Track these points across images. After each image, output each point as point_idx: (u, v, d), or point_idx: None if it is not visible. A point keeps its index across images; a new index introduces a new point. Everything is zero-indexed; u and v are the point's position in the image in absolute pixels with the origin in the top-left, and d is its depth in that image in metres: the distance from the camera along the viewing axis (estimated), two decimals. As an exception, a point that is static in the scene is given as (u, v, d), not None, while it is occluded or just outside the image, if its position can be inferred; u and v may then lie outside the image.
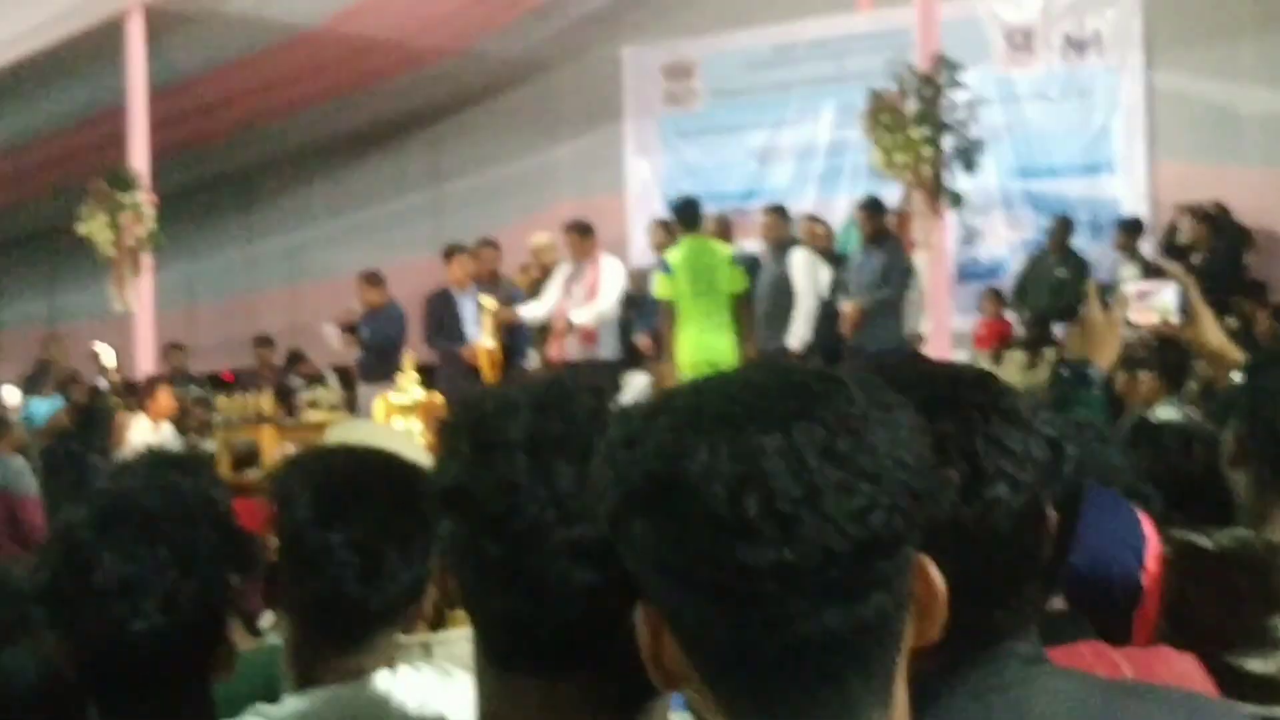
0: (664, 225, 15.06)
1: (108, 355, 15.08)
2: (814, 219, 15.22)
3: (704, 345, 12.59)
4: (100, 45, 14.40)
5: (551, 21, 17.20)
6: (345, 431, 5.58)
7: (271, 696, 2.57)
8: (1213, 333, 4.03)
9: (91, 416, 12.93)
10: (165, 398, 12.97)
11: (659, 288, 13.19)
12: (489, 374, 13.77)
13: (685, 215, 13.41)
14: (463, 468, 1.88)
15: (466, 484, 1.86)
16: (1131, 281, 6.12)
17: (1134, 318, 3.91)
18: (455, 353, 14.11)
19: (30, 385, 15.73)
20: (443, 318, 14.38)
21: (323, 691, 2.49)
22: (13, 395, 14.64)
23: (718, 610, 1.43)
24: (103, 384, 14.54)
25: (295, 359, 17.66)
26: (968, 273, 16.03)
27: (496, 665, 1.91)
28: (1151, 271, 14.38)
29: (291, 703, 2.50)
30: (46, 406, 14.17)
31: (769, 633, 1.42)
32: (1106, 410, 3.94)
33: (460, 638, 2.89)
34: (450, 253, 14.62)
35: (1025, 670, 1.89)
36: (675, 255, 13.16)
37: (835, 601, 1.41)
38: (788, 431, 1.41)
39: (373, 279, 15.16)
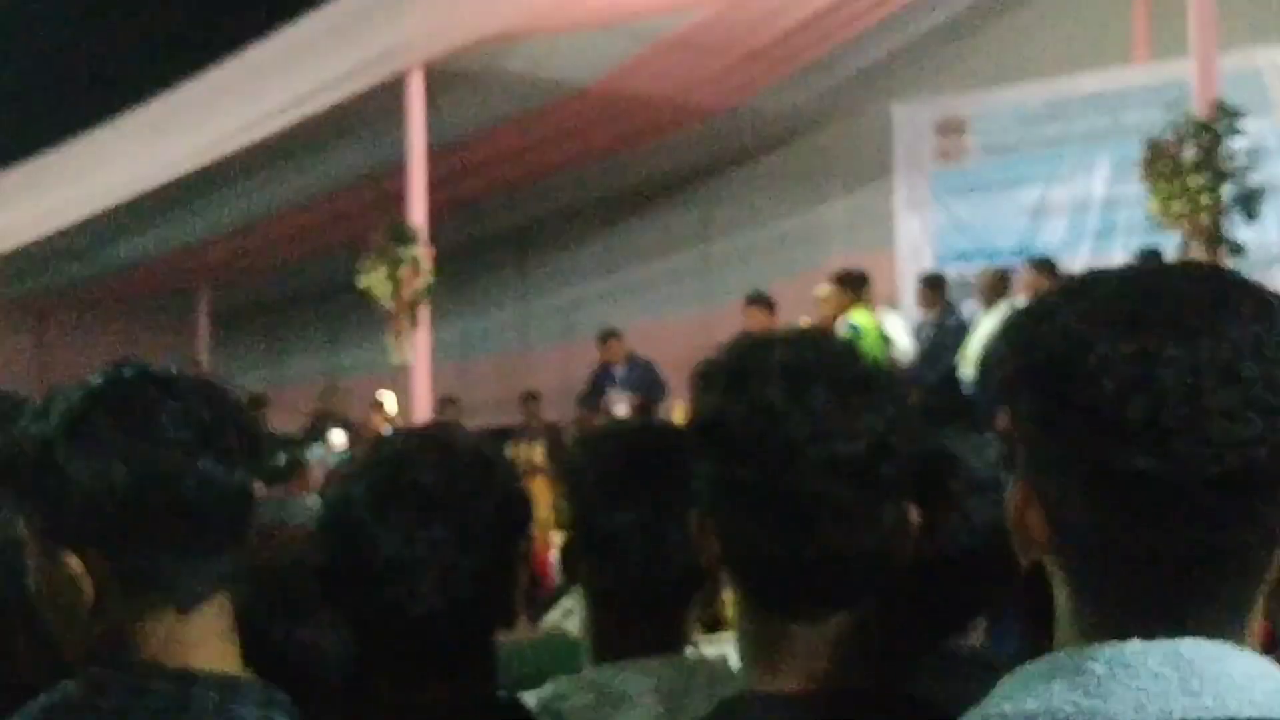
0: (928, 283, 15.15)
1: (391, 403, 15.32)
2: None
3: None
4: (382, 104, 14.74)
5: (823, 78, 17.19)
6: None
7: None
8: None
9: None
10: None
11: None
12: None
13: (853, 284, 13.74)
14: (719, 400, 1.92)
15: (724, 414, 1.89)
16: None
17: None
18: None
19: (310, 436, 16.09)
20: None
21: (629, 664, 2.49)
22: (339, 439, 14.92)
23: (1083, 499, 1.43)
24: (387, 431, 14.74)
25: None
26: None
27: (759, 611, 1.93)
28: None
29: (592, 673, 2.53)
30: (320, 452, 14.47)
31: (1125, 534, 1.42)
32: None
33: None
34: (754, 301, 14.74)
35: None
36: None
37: (1196, 525, 1.39)
38: (1193, 343, 1.39)
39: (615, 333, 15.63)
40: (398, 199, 14.82)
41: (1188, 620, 1.42)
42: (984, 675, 1.63)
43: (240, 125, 14.99)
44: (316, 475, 11.92)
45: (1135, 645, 1.41)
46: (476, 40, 14.33)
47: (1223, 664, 1.40)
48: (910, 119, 18.68)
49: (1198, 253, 11.25)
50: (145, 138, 15.51)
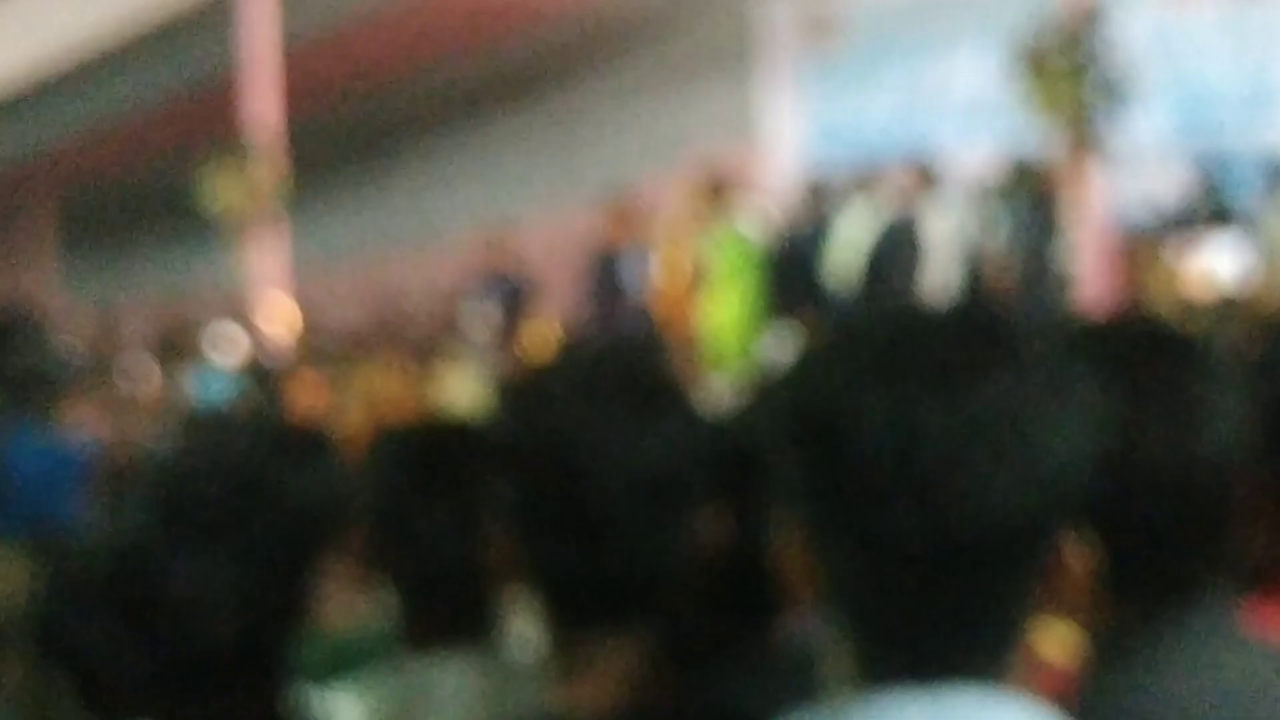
0: (807, 186, 15.22)
1: (283, 316, 14.92)
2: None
3: None
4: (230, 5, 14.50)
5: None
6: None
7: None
8: (1275, 295, 4.01)
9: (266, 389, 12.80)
10: (306, 395, 12.85)
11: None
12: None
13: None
14: (514, 419, 1.99)
15: (520, 433, 1.95)
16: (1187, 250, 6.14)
17: (1190, 290, 3.79)
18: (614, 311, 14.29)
19: (164, 357, 15.75)
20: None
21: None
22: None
23: (848, 554, 1.47)
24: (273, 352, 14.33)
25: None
26: (1123, 221, 15.63)
27: (561, 625, 1.95)
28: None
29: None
30: (221, 382, 14.04)
31: (889, 587, 1.46)
32: None
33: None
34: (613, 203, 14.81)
35: (1215, 631, 1.89)
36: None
37: (958, 579, 1.44)
38: (953, 401, 1.42)
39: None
40: (246, 106, 14.57)
41: (951, 668, 1.46)
42: (799, 672, 1.80)
43: (81, 29, 14.75)
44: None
45: (897, 694, 1.46)
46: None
47: (986, 711, 1.46)
48: (776, 9, 18.50)
49: (1069, 149, 11.33)
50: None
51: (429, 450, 2.59)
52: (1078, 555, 1.52)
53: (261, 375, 13.03)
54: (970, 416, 1.41)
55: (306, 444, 3.18)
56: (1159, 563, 1.86)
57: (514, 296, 15.17)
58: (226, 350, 14.75)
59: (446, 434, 2.66)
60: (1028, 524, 1.43)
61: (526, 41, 17.81)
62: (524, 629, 2.57)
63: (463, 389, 12.87)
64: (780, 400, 1.53)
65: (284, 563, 2.30)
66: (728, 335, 13.70)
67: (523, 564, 1.96)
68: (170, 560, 2.21)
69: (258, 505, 2.31)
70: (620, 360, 2.02)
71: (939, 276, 13.15)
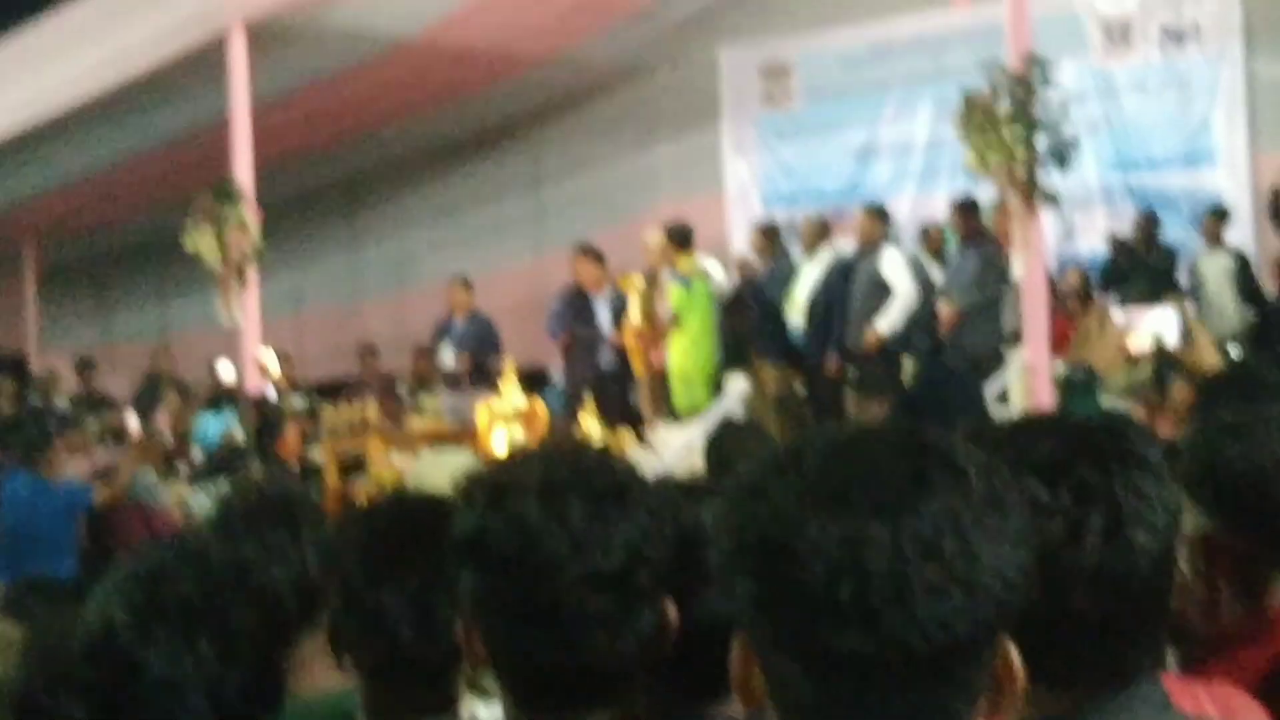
0: (764, 231, 15.31)
1: (271, 361, 15.09)
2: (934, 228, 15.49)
3: None
4: (206, 62, 14.56)
5: (648, 25, 17.22)
6: (430, 465, 5.69)
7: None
8: (1209, 356, 4.12)
9: (265, 427, 12.97)
10: (293, 438, 13.08)
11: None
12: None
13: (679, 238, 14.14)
14: (478, 516, 1.99)
15: (483, 530, 1.97)
16: (1128, 308, 6.17)
17: (1130, 346, 4.01)
18: (593, 342, 14.55)
19: (141, 399, 15.93)
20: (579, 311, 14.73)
21: None
22: (227, 370, 14.56)
23: (798, 672, 1.49)
24: (272, 393, 14.50)
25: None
26: (1067, 268, 15.93)
27: (519, 708, 2.01)
28: (1237, 258, 14.32)
29: None
30: (219, 422, 14.27)
31: (837, 703, 1.48)
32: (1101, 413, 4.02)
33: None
34: (583, 252, 14.93)
35: (1155, 716, 1.93)
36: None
37: (906, 694, 1.46)
38: (896, 522, 1.44)
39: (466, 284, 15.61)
40: (224, 157, 14.65)
41: None
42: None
43: (61, 83, 14.78)
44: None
45: None
46: (297, -2, 14.25)
47: None
48: (736, 64, 18.81)
49: (1013, 201, 11.45)
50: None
51: (392, 536, 2.61)
52: (1015, 656, 1.53)
53: (256, 419, 13.25)
54: (916, 535, 1.43)
55: (281, 521, 3.20)
56: (1097, 653, 1.87)
57: (483, 342, 15.40)
58: (219, 395, 14.99)
59: (410, 519, 2.65)
60: (973, 635, 1.45)
61: (496, 94, 17.83)
62: (484, 712, 2.72)
63: (433, 428, 13.15)
64: (727, 524, 1.53)
65: (257, 647, 2.31)
66: (693, 378, 14.05)
67: (485, 650, 2.02)
68: (145, 647, 2.24)
69: (231, 592, 2.33)
70: (580, 458, 2.08)
71: (890, 318, 13.42)
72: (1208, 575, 2.53)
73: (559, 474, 2.01)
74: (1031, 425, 2.07)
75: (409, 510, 2.74)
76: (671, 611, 2.07)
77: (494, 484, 2.03)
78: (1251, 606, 2.47)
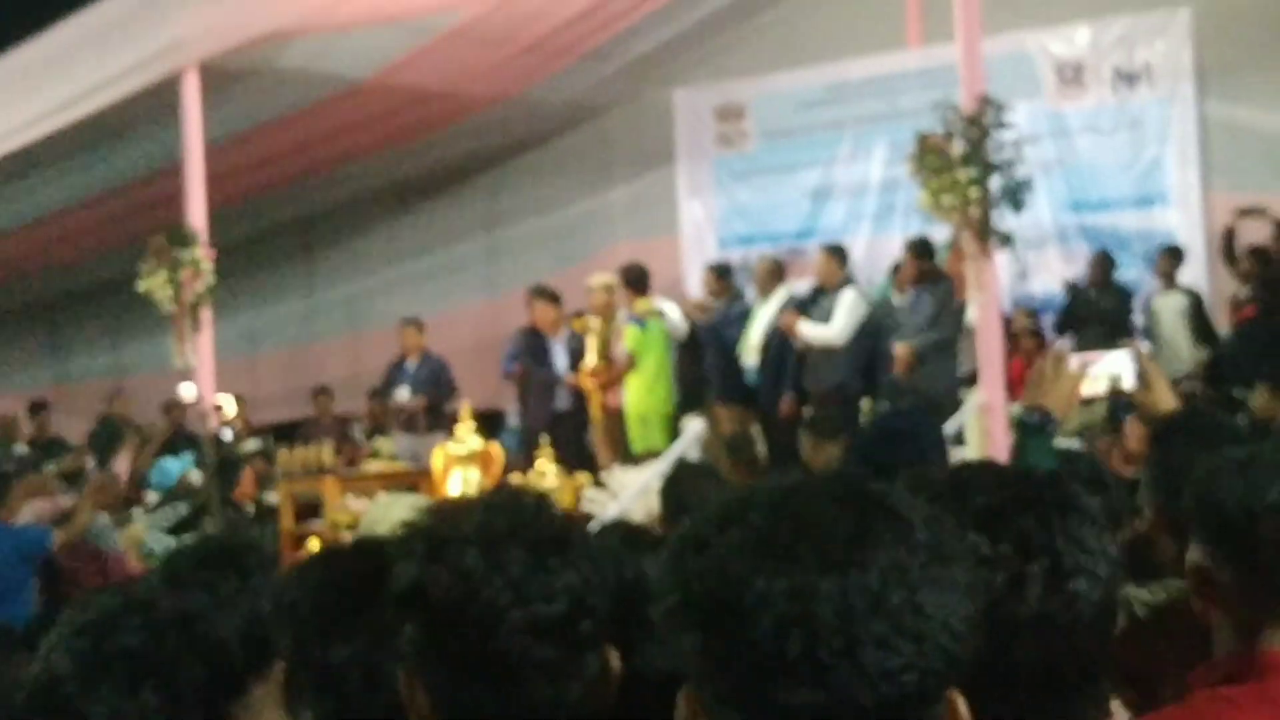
0: (716, 272, 15.27)
1: (229, 404, 14.94)
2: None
3: None
4: (159, 103, 14.53)
5: (602, 66, 17.29)
6: (385, 508, 5.64)
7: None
8: (1165, 398, 4.13)
9: (222, 470, 12.91)
10: (249, 481, 13.05)
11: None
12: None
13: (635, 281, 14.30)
14: (418, 566, 1.99)
15: (424, 581, 1.97)
16: (1084, 353, 6.17)
17: (1084, 389, 4.02)
18: (549, 384, 14.52)
19: (96, 442, 15.82)
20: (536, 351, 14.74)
21: None
22: (189, 390, 14.50)
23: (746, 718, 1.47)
24: (227, 434, 14.43)
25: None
26: (1021, 307, 16.00)
27: None
28: (1191, 298, 14.38)
29: None
30: (179, 465, 14.19)
31: None
32: (1055, 458, 4.07)
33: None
34: (538, 294, 14.97)
35: None
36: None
37: None
38: (843, 575, 1.44)
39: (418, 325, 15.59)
40: (177, 198, 14.62)
41: None
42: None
43: (13, 125, 14.71)
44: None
45: None
46: (251, 39, 14.19)
47: None
48: (691, 105, 18.85)
49: (967, 242, 11.48)
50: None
51: (344, 587, 2.57)
52: (963, 706, 1.52)
53: (214, 461, 13.17)
54: (863, 588, 1.43)
55: (232, 568, 3.20)
56: (1041, 701, 1.89)
57: (438, 384, 15.37)
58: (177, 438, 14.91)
59: (360, 570, 2.59)
60: (921, 687, 1.45)
61: (450, 136, 17.81)
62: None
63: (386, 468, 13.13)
64: (673, 578, 1.52)
65: (204, 697, 2.32)
66: (650, 419, 14.05)
67: (428, 702, 2.01)
68: (88, 697, 2.24)
69: (177, 642, 2.33)
70: (519, 506, 2.07)
71: (816, 332, 13.43)
72: (1202, 608, 2.57)
73: (498, 523, 2.01)
74: (972, 475, 2.07)
75: (360, 559, 2.70)
76: (615, 660, 2.07)
77: (433, 534, 2.02)
78: (1243, 646, 2.49)
